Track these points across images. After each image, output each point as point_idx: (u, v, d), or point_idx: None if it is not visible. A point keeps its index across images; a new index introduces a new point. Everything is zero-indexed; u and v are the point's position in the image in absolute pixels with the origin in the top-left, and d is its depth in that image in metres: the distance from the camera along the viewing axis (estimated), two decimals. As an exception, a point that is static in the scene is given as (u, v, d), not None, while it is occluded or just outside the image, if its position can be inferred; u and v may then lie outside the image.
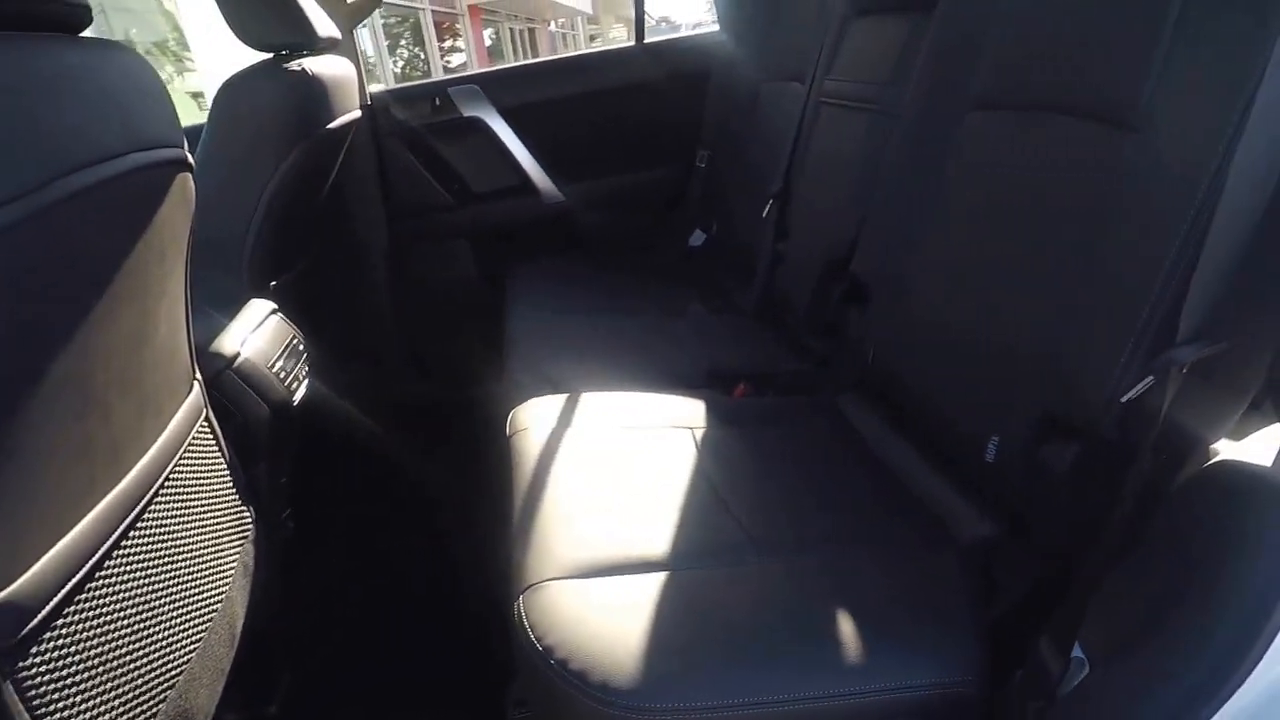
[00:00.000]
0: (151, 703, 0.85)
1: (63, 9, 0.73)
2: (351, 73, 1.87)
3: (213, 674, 1.00)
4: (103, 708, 0.77)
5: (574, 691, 0.79)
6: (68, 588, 0.73)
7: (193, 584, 0.99)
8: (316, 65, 1.63)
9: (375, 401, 2.22)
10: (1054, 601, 0.89)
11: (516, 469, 1.14)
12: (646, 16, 2.37)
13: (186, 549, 0.98)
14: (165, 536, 0.93)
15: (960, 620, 0.87)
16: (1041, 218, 0.97)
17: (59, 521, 0.74)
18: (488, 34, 17.40)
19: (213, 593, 1.03)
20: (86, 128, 0.72)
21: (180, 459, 0.99)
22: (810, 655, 0.82)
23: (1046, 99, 1.00)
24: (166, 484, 0.94)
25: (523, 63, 2.43)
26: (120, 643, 0.81)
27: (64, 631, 0.73)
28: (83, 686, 0.75)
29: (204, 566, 1.02)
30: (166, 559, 0.93)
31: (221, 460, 1.12)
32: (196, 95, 7.42)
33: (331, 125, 1.68)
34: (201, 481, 1.06)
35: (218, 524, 1.08)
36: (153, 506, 0.90)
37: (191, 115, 2.21)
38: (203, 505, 1.05)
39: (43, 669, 0.70)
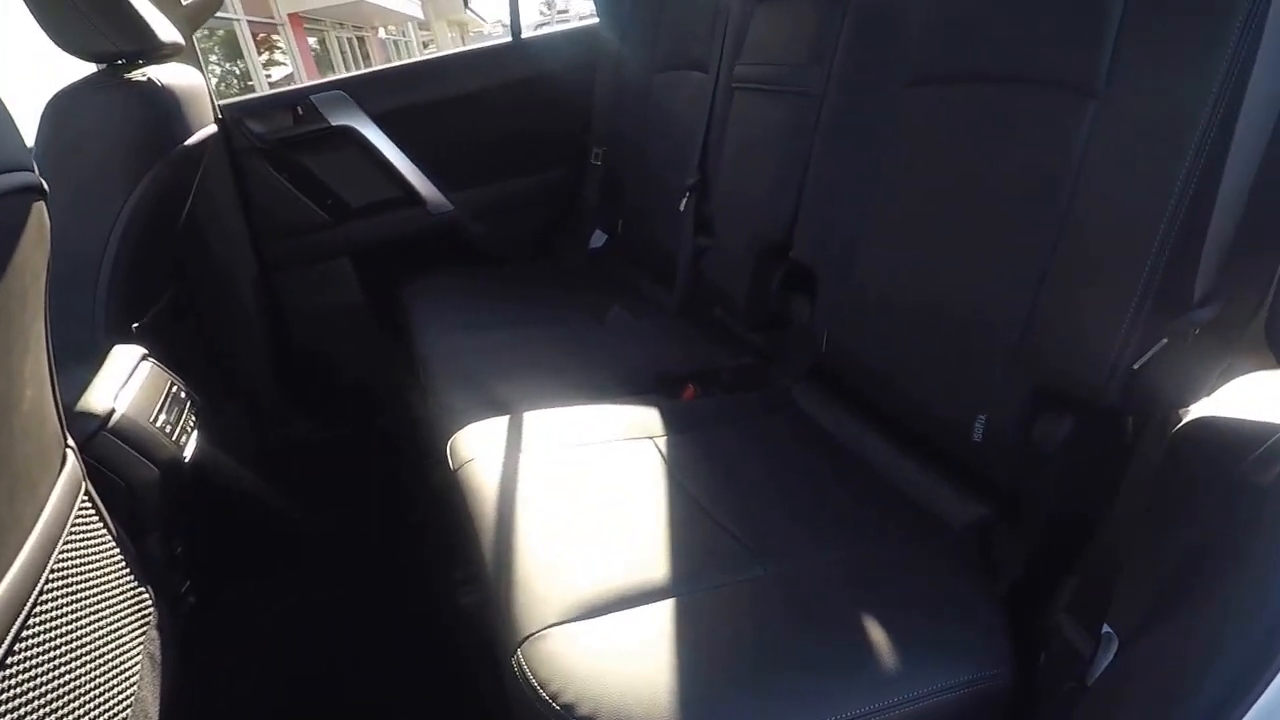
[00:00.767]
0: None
1: None
2: (201, 82, 1.66)
3: None
4: None
5: None
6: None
7: (95, 691, 0.82)
8: (164, 75, 1.43)
9: (259, 446, 2.01)
10: (1054, 577, 0.87)
11: (472, 505, 1.01)
12: (481, 21, 2.26)
13: (84, 651, 0.81)
14: (58, 641, 0.77)
15: (979, 611, 0.83)
16: (1001, 188, 0.94)
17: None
18: (311, 44, 16.60)
19: (119, 696, 0.86)
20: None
21: (64, 544, 0.81)
22: (843, 673, 0.76)
23: (992, 69, 0.97)
24: (52, 577, 0.77)
25: (392, 64, 2.26)
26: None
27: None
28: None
29: (106, 668, 0.85)
30: (62, 667, 0.76)
31: (109, 538, 0.94)
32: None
33: (188, 142, 1.48)
34: (91, 567, 0.88)
35: (115, 615, 0.90)
36: (39, 608, 0.73)
37: None
38: (96, 596, 0.87)
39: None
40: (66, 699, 0.75)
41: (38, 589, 0.73)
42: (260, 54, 13.80)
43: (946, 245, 1.01)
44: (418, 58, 2.30)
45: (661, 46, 1.92)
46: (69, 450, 0.89)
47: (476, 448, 1.12)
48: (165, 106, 1.41)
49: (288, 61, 14.91)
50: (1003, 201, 0.94)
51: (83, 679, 0.79)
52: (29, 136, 1.14)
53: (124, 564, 0.95)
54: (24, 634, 0.69)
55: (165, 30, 1.41)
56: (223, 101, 1.97)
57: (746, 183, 1.49)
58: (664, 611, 0.81)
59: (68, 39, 1.29)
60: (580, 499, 1.01)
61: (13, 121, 0.72)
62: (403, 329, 1.83)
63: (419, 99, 2.11)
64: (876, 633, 0.78)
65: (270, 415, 2.08)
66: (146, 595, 0.98)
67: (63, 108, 1.27)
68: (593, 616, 0.81)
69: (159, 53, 1.42)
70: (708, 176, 1.63)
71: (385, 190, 2.11)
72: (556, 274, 2.15)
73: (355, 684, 1.44)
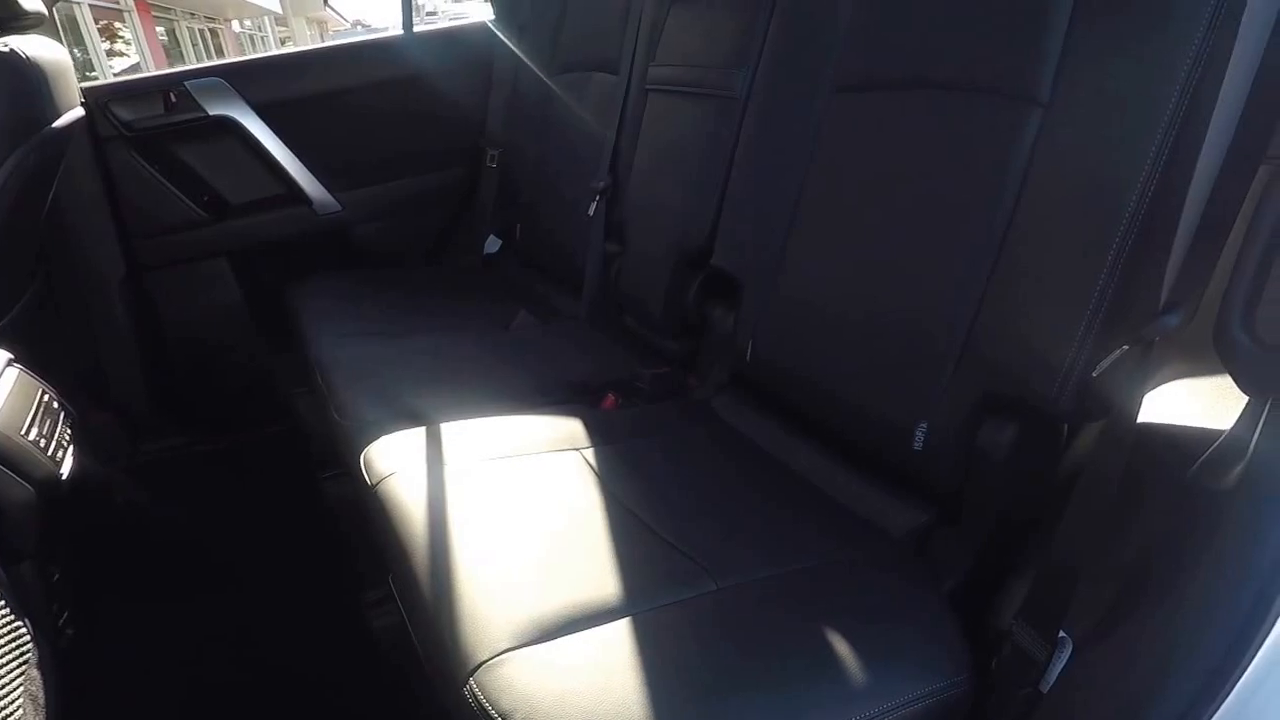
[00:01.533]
0: None
1: None
2: (67, 59, 1.52)
3: None
4: None
5: None
6: None
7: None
8: (28, 47, 1.29)
9: (132, 460, 1.85)
10: (1001, 581, 0.90)
11: (396, 523, 0.95)
12: (341, 19, 2.18)
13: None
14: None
15: (933, 619, 0.84)
16: (940, 197, 0.96)
17: None
18: (159, 33, 15.51)
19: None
20: None
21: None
22: (807, 690, 0.74)
23: (929, 75, 0.99)
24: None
25: (279, 52, 2.12)
26: None
27: None
28: None
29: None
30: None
31: (-22, 568, 0.84)
32: None
33: (57, 124, 1.34)
34: (-42, 603, 0.78)
35: (-11, 656, 0.80)
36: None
37: None
38: (-33, 636, 0.77)
39: None
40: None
41: None
42: (101, 42, 12.77)
43: (883, 253, 1.03)
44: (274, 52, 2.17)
45: (564, 46, 1.90)
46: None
47: (395, 461, 1.06)
48: (30, 83, 1.28)
49: (131, 51, 13.86)
50: (942, 210, 0.96)
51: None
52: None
53: (-3, 596, 0.84)
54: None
55: None
56: (85, 84, 1.80)
57: (663, 188, 1.49)
58: (620, 631, 0.78)
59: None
60: (514, 515, 0.96)
61: None
62: (290, 333, 1.72)
63: (306, 91, 1.99)
64: (837, 646, 0.78)
65: (144, 427, 1.92)
66: (23, 629, 0.88)
67: None
68: (548, 639, 0.77)
69: (20, 22, 1.29)
70: (619, 181, 1.61)
71: (268, 187, 1.98)
72: (451, 279, 2.08)
73: (264, 714, 1.34)
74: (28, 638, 0.88)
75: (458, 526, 0.93)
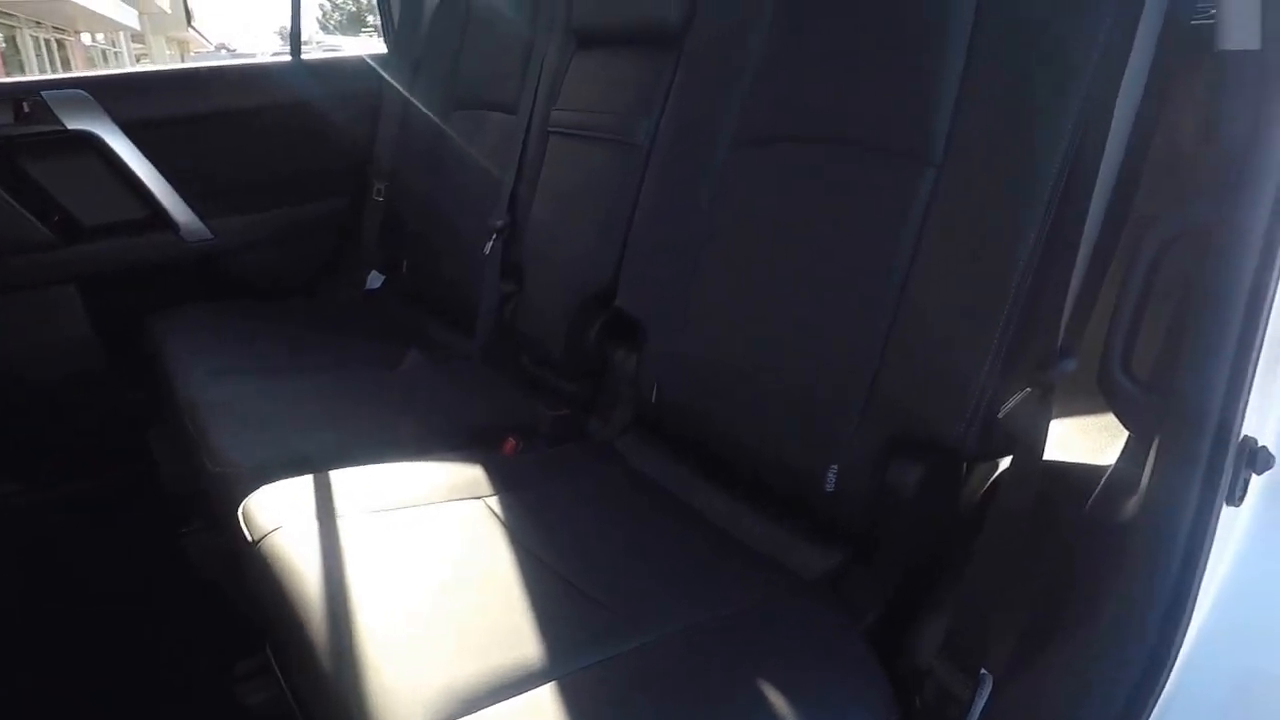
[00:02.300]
0: None
1: None
2: None
3: None
4: None
5: None
6: None
7: None
8: None
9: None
10: (916, 617, 0.91)
11: (284, 583, 0.86)
12: (204, 41, 2.08)
13: None
14: None
15: (856, 661, 0.83)
16: (838, 251, 0.98)
17: None
18: (-2, 41, 14.36)
19: None
20: None
21: None
22: None
23: (825, 132, 1.03)
24: None
25: (153, 68, 1.97)
26: None
27: None
28: None
29: None
30: None
31: None
32: None
33: None
34: None
35: None
36: None
37: None
38: None
39: None
40: None
41: None
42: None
43: (785, 303, 1.04)
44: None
45: (461, 83, 1.85)
46: None
47: (279, 514, 0.97)
48: None
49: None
50: (842, 262, 0.98)
51: None
52: None
53: None
54: None
55: None
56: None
57: (565, 229, 1.46)
58: (544, 699, 0.72)
59: None
60: (417, 571, 0.89)
61: None
62: (149, 370, 1.58)
63: (179, 110, 1.86)
64: (767, 694, 0.75)
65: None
66: None
67: None
68: (470, 713, 0.70)
69: None
70: (517, 220, 1.57)
71: (128, 210, 1.83)
72: (332, 314, 1.97)
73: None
74: None
75: (355, 586, 0.85)
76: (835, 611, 0.92)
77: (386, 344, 1.68)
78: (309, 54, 2.13)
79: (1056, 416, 0.84)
